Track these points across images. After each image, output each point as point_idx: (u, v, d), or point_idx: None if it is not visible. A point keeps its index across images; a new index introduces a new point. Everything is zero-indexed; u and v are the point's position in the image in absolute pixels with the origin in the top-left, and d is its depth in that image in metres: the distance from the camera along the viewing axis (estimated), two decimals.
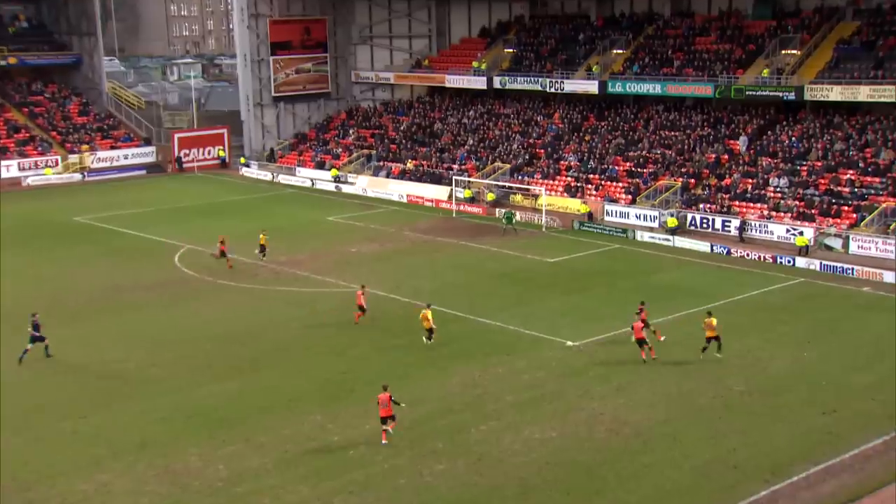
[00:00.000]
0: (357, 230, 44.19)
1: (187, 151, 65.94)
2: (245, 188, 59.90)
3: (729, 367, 24.45)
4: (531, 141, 55.03)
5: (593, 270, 35.83)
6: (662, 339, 25.95)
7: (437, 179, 54.84)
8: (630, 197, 45.71)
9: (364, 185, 57.61)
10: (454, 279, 34.14)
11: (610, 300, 31.25)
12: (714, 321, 25.45)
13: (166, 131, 67.22)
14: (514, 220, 41.64)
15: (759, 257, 35.88)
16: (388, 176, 57.84)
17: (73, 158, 60.79)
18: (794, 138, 45.43)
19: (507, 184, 50.56)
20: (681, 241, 39.91)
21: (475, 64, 60.25)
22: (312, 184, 59.56)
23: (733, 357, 24.74)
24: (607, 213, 44.92)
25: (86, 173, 60.31)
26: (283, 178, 61.79)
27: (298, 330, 28.32)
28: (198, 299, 31.74)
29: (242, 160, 66.61)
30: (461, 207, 49.49)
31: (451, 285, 33.21)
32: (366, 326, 28.35)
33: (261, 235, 36.32)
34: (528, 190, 49.44)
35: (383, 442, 19.87)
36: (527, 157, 53.55)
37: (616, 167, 48.52)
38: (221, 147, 67.96)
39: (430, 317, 25.73)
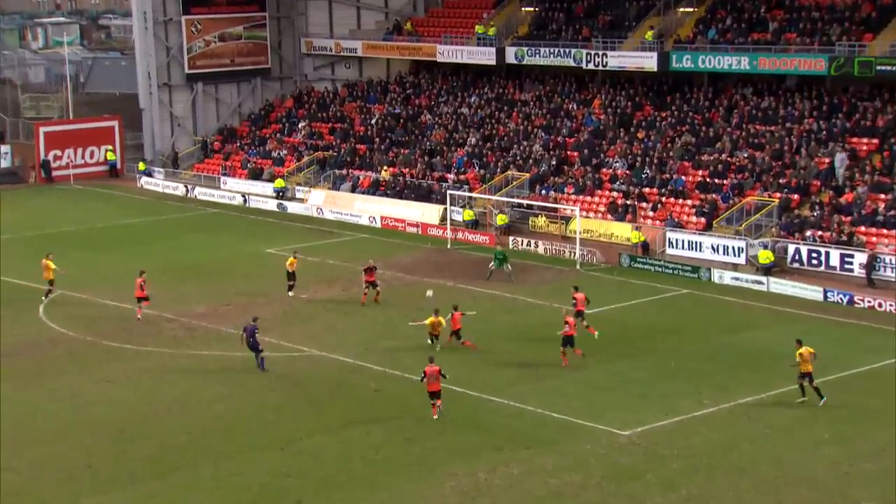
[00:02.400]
0: (309, 268, 44.57)
1: (59, 153, 66.29)
2: (145, 207, 60.61)
3: (856, 475, 24.21)
4: (560, 139, 55.77)
5: (650, 326, 36.17)
6: (596, 334, 30.47)
7: (425, 195, 55.61)
8: (703, 220, 46.28)
9: (319, 202, 58.47)
10: (452, 341, 34.41)
11: (675, 371, 31.52)
12: (808, 352, 27.10)
13: (26, 124, 67.21)
14: (507, 264, 41.81)
15: None
16: (353, 189, 58.66)
17: None
18: None
19: (525, 201, 51.28)
20: (779, 285, 40.30)
21: (479, 29, 61.21)
22: (245, 201, 60.44)
23: (861, 457, 24.66)
24: (670, 243, 45.49)
25: None
26: (203, 193, 62.54)
27: (222, 413, 28.58)
28: (74, 370, 32.08)
29: (142, 166, 67.25)
30: (459, 235, 50.38)
31: (444, 351, 32.95)
32: (323, 405, 28.62)
33: (291, 259, 39.01)
34: (555, 210, 50.15)
35: (434, 417, 27.10)
36: (553, 162, 54.23)
37: (683, 177, 49.20)
38: (110, 147, 68.71)
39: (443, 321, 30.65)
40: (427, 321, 32.81)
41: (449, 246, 48.74)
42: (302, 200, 59.00)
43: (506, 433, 26.79)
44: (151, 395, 29.91)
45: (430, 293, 38.61)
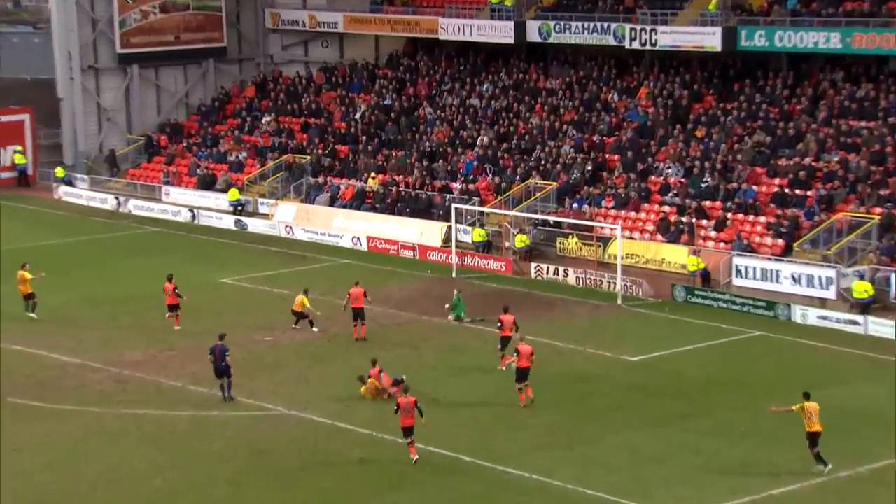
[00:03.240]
0: (275, 303, 44.86)
1: None
2: (64, 224, 60.87)
3: None
4: (596, 139, 56.10)
5: (712, 378, 36.26)
6: (507, 367, 34.32)
7: (424, 209, 56.10)
8: (781, 242, 46.50)
9: (289, 218, 58.73)
10: (456, 395, 34.62)
11: (745, 436, 31.55)
12: (815, 408, 28.38)
13: None
14: (461, 311, 42.00)
15: None
16: (332, 202, 59.11)
17: None
18: None
19: (551, 218, 51.76)
20: (879, 326, 40.37)
21: None
22: (193, 216, 60.83)
23: None
24: (738, 271, 45.58)
25: None
26: (139, 207, 62.99)
27: (162, 491, 28.51)
28: None
29: (60, 172, 67.79)
30: (467, 261, 50.56)
31: (450, 407, 33.63)
32: (292, 479, 28.59)
33: (300, 298, 40.32)
34: (589, 229, 50.22)
35: (414, 458, 29.20)
36: (588, 168, 54.58)
37: (755, 187, 49.39)
38: (19, 148, 69.10)
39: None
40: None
41: (454, 275, 48.90)
42: (266, 216, 59.28)
43: None
44: (71, 468, 29.78)
45: (449, 308, 41.13)
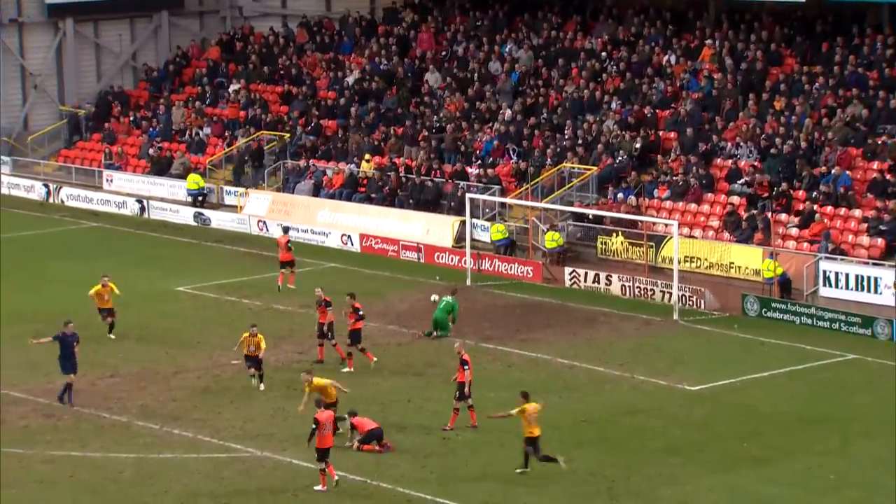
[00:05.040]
0: (244, 316, 44.84)
1: None
2: None
3: None
4: (647, 112, 56.13)
5: (794, 413, 36.19)
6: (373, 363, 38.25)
7: (432, 200, 56.28)
8: (881, 243, 46.32)
9: (262, 210, 59.11)
10: (472, 434, 34.62)
11: (836, 485, 31.46)
12: (536, 408, 32.11)
13: None
14: (447, 326, 42.54)
15: None
16: (316, 192, 59.43)
17: None
18: None
19: (591, 211, 51.68)
20: None
21: None
22: (143, 209, 61.09)
23: None
24: (826, 279, 45.57)
25: None
26: (74, 196, 63.49)
27: None
28: None
29: None
30: (485, 265, 50.71)
31: (464, 447, 33.71)
32: None
33: (249, 335, 38.38)
34: (638, 226, 50.53)
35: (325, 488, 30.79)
36: (636, 148, 54.85)
37: (848, 173, 49.26)
38: None
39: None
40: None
41: (468, 282, 48.88)
42: (234, 209, 59.27)
43: None
44: None
45: (435, 298, 41.84)
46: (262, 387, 37.44)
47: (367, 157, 58.01)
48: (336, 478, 31.02)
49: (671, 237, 46.91)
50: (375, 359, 39.49)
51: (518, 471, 31.76)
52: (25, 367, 39.57)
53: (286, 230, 50.29)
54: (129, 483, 31.55)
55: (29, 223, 59.00)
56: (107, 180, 63.42)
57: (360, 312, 39.74)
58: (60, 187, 62.93)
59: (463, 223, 51.07)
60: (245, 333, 37.91)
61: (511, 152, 55.74)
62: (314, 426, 31.04)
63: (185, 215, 58.87)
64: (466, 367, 34.61)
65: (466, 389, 34.61)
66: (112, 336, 42.17)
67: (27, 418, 35.87)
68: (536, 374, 39.21)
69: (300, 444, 32.79)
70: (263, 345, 37.69)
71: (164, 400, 37.03)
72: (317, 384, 33.76)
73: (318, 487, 30.99)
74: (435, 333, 42.19)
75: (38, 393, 37.69)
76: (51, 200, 62.62)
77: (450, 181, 55.04)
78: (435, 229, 53.31)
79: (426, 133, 58.33)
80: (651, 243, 48.86)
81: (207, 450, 33.26)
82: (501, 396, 37.17)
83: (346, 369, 39.16)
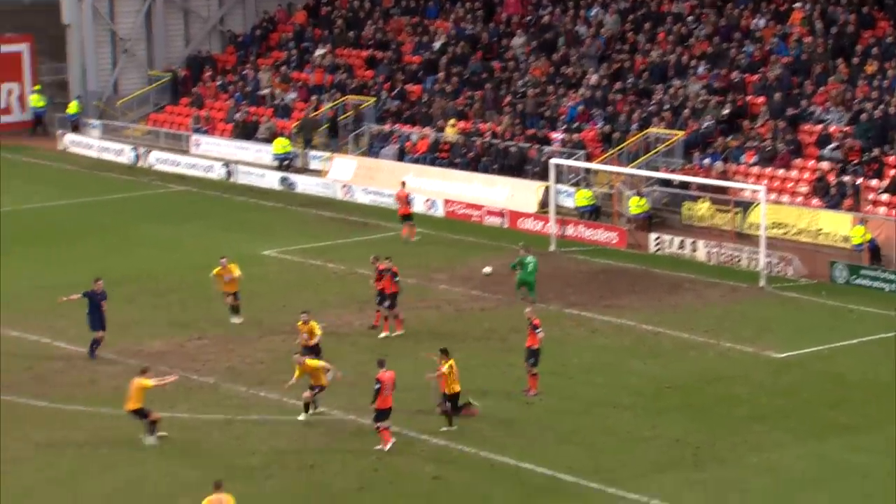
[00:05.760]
0: (329, 281, 45.19)
1: None
2: (70, 181, 61.74)
3: None
4: (734, 77, 55.65)
5: (882, 381, 35.92)
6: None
7: (516, 166, 56.28)
8: None
9: (347, 175, 59.38)
10: (555, 399, 34.73)
11: None
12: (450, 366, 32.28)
13: None
14: (531, 279, 42.24)
15: None
16: (401, 157, 59.63)
17: None
18: None
19: (676, 176, 51.61)
20: None
21: None
22: (229, 173, 61.61)
23: None
24: None
25: None
26: (162, 160, 64.05)
27: None
28: None
29: (73, 107, 68.08)
30: (570, 230, 50.77)
31: (548, 413, 33.83)
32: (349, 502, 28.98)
33: (302, 322, 36.41)
34: (725, 191, 50.37)
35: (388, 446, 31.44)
36: (725, 113, 54.34)
37: None
38: (38, 87, 69.42)
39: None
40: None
41: (553, 247, 48.95)
42: (319, 173, 59.56)
43: None
44: (79, 484, 30.15)
45: (488, 270, 41.87)
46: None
47: (451, 122, 58.02)
48: (391, 442, 31.20)
49: (758, 203, 46.69)
50: (401, 331, 39.48)
51: (444, 429, 32.24)
52: (116, 328, 40.03)
53: (403, 183, 50.69)
54: (216, 444, 31.96)
55: (118, 186, 59.67)
56: (194, 144, 63.94)
57: (397, 278, 39.51)
58: (149, 151, 63.53)
59: (547, 189, 51.00)
60: (298, 322, 36.36)
61: (596, 118, 55.55)
62: (377, 386, 31.21)
63: (271, 179, 59.25)
64: (538, 332, 34.64)
65: (536, 354, 34.67)
66: (236, 321, 40.54)
67: (118, 379, 36.30)
68: (620, 341, 39.25)
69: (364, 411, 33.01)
70: (318, 331, 36.08)
71: (250, 362, 37.43)
72: (309, 365, 33.16)
73: (381, 447, 31.25)
74: (530, 297, 42.06)
75: (128, 354, 38.21)
76: (139, 164, 63.26)
77: (534, 147, 54.91)
78: (519, 195, 53.29)
79: (511, 98, 58.18)
80: (738, 209, 48.66)
81: (293, 412, 33.56)
82: (585, 362, 37.34)
83: (395, 333, 39.37)
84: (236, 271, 40.45)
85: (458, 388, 32.63)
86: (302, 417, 32.93)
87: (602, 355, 37.98)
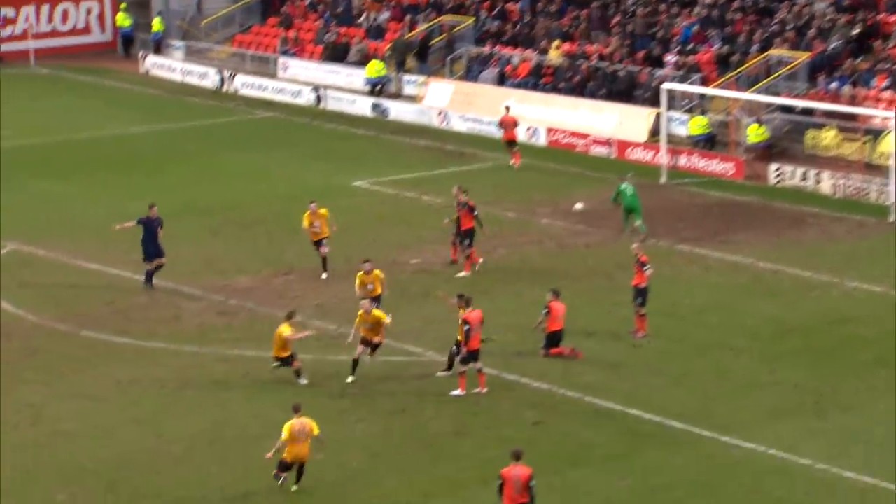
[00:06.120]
0: (424, 214, 45.17)
1: (10, 14, 68.77)
2: (152, 106, 62.04)
3: None
4: None
5: None
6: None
7: (625, 91, 55.95)
8: None
9: (444, 101, 59.54)
10: (665, 341, 34.57)
11: None
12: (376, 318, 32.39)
13: None
14: (636, 203, 41.95)
15: None
16: (501, 81, 59.44)
17: None
18: None
19: (799, 102, 51.14)
20: None
21: None
22: (319, 98, 61.78)
23: None
24: None
25: None
26: (248, 84, 64.45)
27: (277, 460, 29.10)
28: (36, 380, 32.75)
29: (158, 24, 68.10)
30: (682, 161, 50.48)
31: (657, 356, 33.72)
32: (444, 448, 28.90)
33: (363, 273, 35.34)
34: (853, 118, 49.78)
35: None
36: (853, 33, 53.45)
37: None
38: (124, 5, 69.62)
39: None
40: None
41: (663, 179, 48.58)
42: (414, 99, 59.41)
43: None
44: (161, 425, 30.38)
45: (579, 206, 41.84)
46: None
47: (555, 43, 57.56)
48: (485, 390, 31.17)
49: (890, 131, 46.03)
50: (480, 260, 39.28)
51: (440, 374, 32.16)
52: (201, 262, 40.36)
53: (508, 108, 50.66)
54: (305, 385, 31.98)
55: (202, 112, 59.98)
56: (282, 68, 63.96)
57: (475, 212, 38.99)
58: (234, 75, 63.65)
59: (658, 116, 50.60)
60: (359, 273, 35.11)
61: (711, 38, 54.87)
62: (466, 328, 31.06)
63: (363, 106, 59.19)
64: (646, 269, 34.29)
65: (644, 294, 34.36)
66: (324, 276, 39.01)
67: (202, 316, 36.65)
68: (736, 279, 38.96)
69: (481, 349, 32.89)
70: (381, 282, 35.02)
71: (339, 299, 37.39)
72: (375, 316, 32.18)
73: (456, 392, 31.13)
74: (638, 223, 41.70)
75: (213, 290, 38.44)
76: (224, 89, 63.45)
77: (644, 70, 54.40)
78: (628, 122, 52.94)
79: (619, 18, 57.61)
80: (867, 138, 48.18)
81: (385, 353, 33.50)
82: (697, 302, 37.10)
83: (462, 273, 39.04)
84: (327, 215, 38.97)
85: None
86: (350, 380, 31.98)
87: (716, 295, 37.66)
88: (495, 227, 41.83)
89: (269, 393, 31.82)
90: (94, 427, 30.28)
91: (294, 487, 26.88)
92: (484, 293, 37.38)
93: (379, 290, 34.95)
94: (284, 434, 26.64)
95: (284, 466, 26.83)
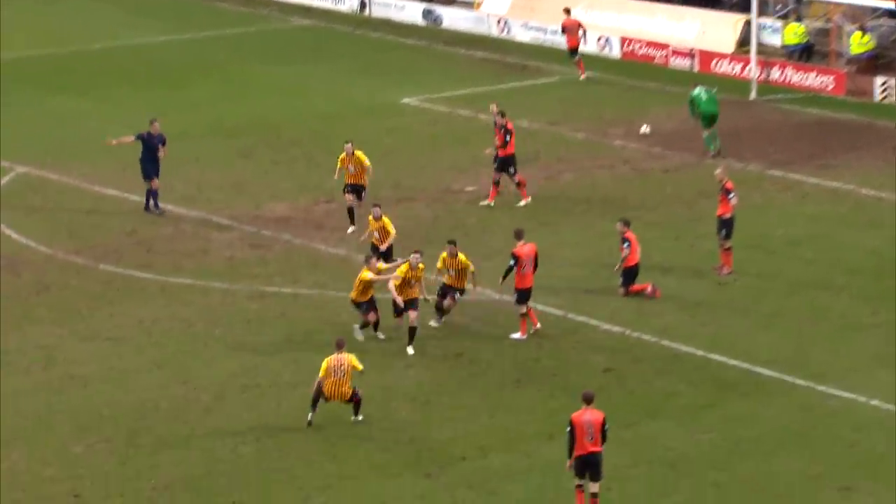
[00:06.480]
0: (481, 134, 44.98)
1: None
2: (177, 13, 62.10)
3: None
4: None
5: None
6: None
7: None
8: None
9: (503, 8, 59.27)
10: (754, 280, 34.55)
11: None
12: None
13: None
14: (714, 109, 41.95)
15: None
16: None
17: None
18: None
19: None
20: None
21: None
22: (363, 5, 61.71)
23: None
24: None
25: None
26: None
27: (321, 407, 29.52)
28: (49, 318, 33.16)
29: None
30: (774, 73, 50.49)
31: (744, 294, 33.72)
32: (502, 394, 29.18)
33: (373, 218, 34.91)
34: None
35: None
36: None
37: None
38: None
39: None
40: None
41: (753, 95, 48.65)
42: (471, 5, 59.30)
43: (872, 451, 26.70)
44: (187, 369, 30.60)
45: (646, 129, 41.89)
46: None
47: None
48: (538, 325, 31.43)
49: None
50: (527, 199, 39.21)
51: (433, 323, 31.73)
52: (231, 188, 40.47)
53: (568, 10, 50.91)
54: (345, 326, 31.84)
55: (232, 19, 59.92)
56: None
57: (508, 137, 38.82)
58: None
59: (748, 23, 50.35)
60: (369, 217, 34.69)
61: None
62: (511, 262, 31.17)
63: (413, 13, 59.11)
64: (731, 197, 34.38)
65: (730, 225, 34.37)
66: (351, 229, 37.55)
67: (233, 248, 36.79)
68: (835, 208, 38.93)
69: (548, 287, 33.05)
70: (392, 230, 34.26)
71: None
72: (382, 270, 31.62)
73: (517, 335, 31.41)
74: (710, 130, 41.77)
75: (245, 219, 38.64)
76: None
77: None
78: (712, 30, 52.72)
79: None
80: None
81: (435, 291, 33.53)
82: (791, 234, 37.00)
83: (522, 202, 39.20)
84: (366, 160, 37.88)
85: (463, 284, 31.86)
86: (360, 336, 31.54)
87: (812, 226, 37.58)
88: (562, 150, 41.86)
89: (307, 335, 32.02)
90: (112, 371, 30.56)
91: (354, 418, 27.58)
92: (545, 224, 37.56)
93: (386, 244, 34.17)
94: (321, 370, 27.34)
95: (314, 401, 27.50)
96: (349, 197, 37.53)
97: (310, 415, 27.59)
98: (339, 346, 27.64)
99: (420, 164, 42.09)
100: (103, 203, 39.94)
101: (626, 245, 32.93)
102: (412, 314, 30.65)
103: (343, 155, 37.69)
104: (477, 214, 38.50)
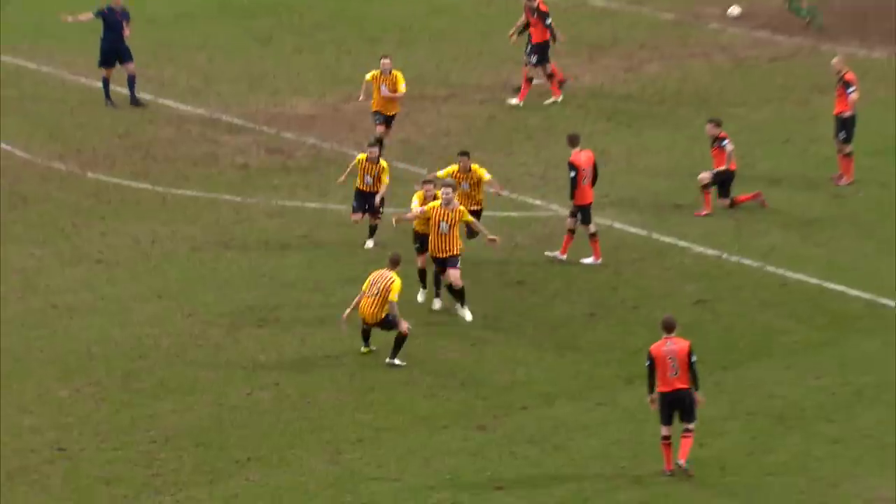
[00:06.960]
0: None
1: None
2: None
3: None
4: None
5: None
6: None
7: None
8: None
9: None
10: (877, 192, 34.60)
11: None
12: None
13: None
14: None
15: None
16: None
17: None
18: None
19: None
20: None
21: None
22: None
23: None
24: None
25: None
26: None
27: (346, 347, 29.48)
28: (37, 237, 33.35)
29: None
30: None
31: (868, 208, 33.84)
32: (583, 330, 29.17)
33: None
34: None
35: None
36: None
37: None
38: None
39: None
40: None
41: None
42: None
43: None
44: (193, 299, 30.77)
45: (735, 11, 42.28)
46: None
47: None
48: (563, 255, 31.55)
49: None
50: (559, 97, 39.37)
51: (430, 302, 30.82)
52: (245, 81, 40.48)
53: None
54: (372, 249, 32.19)
55: None
56: None
57: (549, 20, 38.92)
58: None
59: None
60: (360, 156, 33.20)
61: None
62: (573, 174, 31.03)
63: None
64: (851, 91, 33.95)
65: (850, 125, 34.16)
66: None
67: (247, 154, 36.86)
68: None
69: (627, 202, 33.00)
70: (386, 179, 32.93)
71: (432, 133, 37.42)
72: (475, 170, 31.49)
73: (589, 259, 31.50)
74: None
75: (261, 119, 38.79)
76: None
77: None
78: None
79: None
80: None
81: (495, 205, 33.49)
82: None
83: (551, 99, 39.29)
84: (402, 83, 36.42)
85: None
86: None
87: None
88: (645, 34, 41.63)
89: (332, 258, 32.13)
90: (104, 301, 30.70)
91: (390, 360, 27.65)
92: (625, 125, 37.38)
93: (381, 188, 32.90)
94: (365, 283, 27.70)
95: (364, 333, 27.96)
96: (380, 128, 36.17)
97: (362, 347, 28.02)
98: (394, 263, 27.79)
99: (474, 53, 41.89)
100: (91, 98, 39.82)
101: (724, 144, 32.60)
102: (452, 273, 29.77)
103: (377, 72, 36.30)
104: (540, 113, 38.31)
